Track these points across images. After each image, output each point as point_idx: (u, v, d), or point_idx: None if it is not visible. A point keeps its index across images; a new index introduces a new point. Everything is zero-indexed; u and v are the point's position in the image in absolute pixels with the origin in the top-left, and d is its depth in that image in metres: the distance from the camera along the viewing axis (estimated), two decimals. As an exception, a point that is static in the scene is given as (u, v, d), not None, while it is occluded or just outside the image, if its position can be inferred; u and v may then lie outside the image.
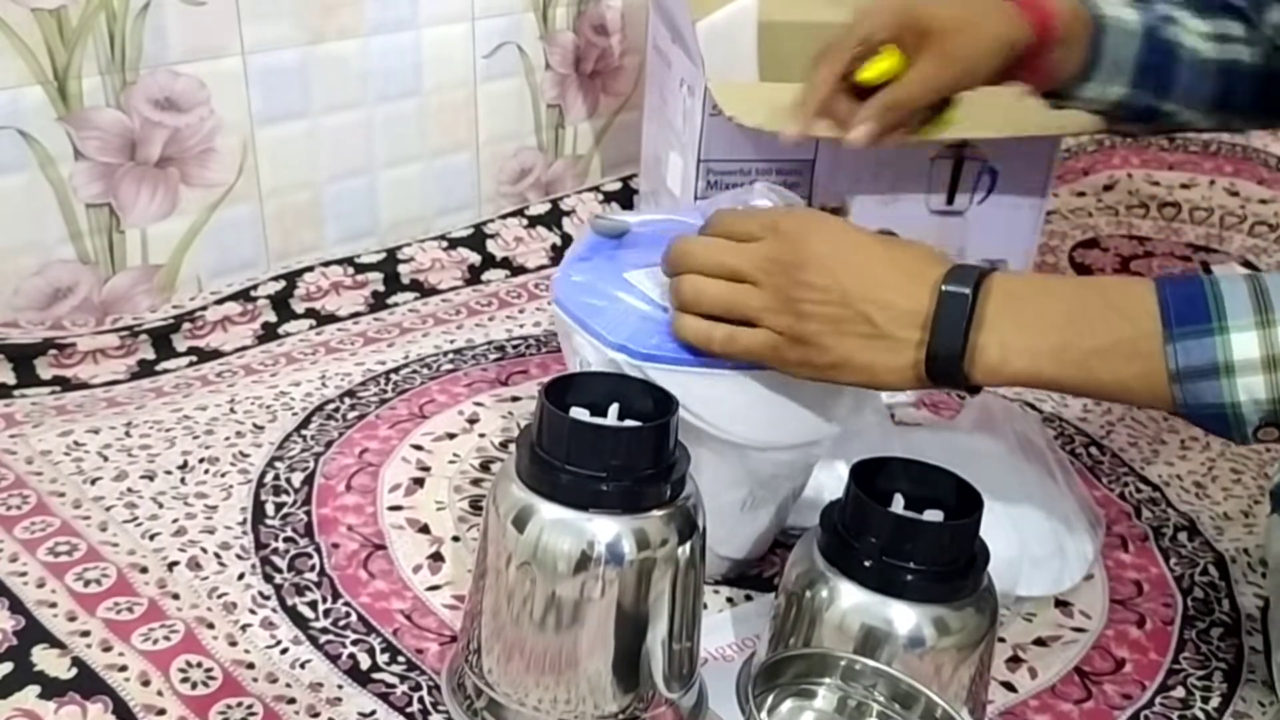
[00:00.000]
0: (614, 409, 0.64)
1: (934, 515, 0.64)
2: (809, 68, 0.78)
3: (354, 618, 0.75)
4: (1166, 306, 0.59)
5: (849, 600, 0.62)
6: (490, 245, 1.27)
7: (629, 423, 0.64)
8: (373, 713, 0.68)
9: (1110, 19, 0.81)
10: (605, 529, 0.60)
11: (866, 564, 0.62)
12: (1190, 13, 0.85)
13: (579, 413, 0.63)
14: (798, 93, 0.78)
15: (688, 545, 0.62)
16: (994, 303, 0.61)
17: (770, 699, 0.61)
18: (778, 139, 0.78)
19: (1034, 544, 0.78)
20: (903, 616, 0.61)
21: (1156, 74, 0.83)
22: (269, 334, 1.10)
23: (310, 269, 1.16)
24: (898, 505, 0.65)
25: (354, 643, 0.73)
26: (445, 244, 1.25)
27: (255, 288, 1.12)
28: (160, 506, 0.84)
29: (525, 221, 1.31)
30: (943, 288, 0.61)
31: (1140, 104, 0.84)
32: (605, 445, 0.60)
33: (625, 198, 1.37)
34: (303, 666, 0.71)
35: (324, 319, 1.14)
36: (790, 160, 1.06)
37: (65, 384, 0.99)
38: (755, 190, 0.83)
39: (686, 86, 1.07)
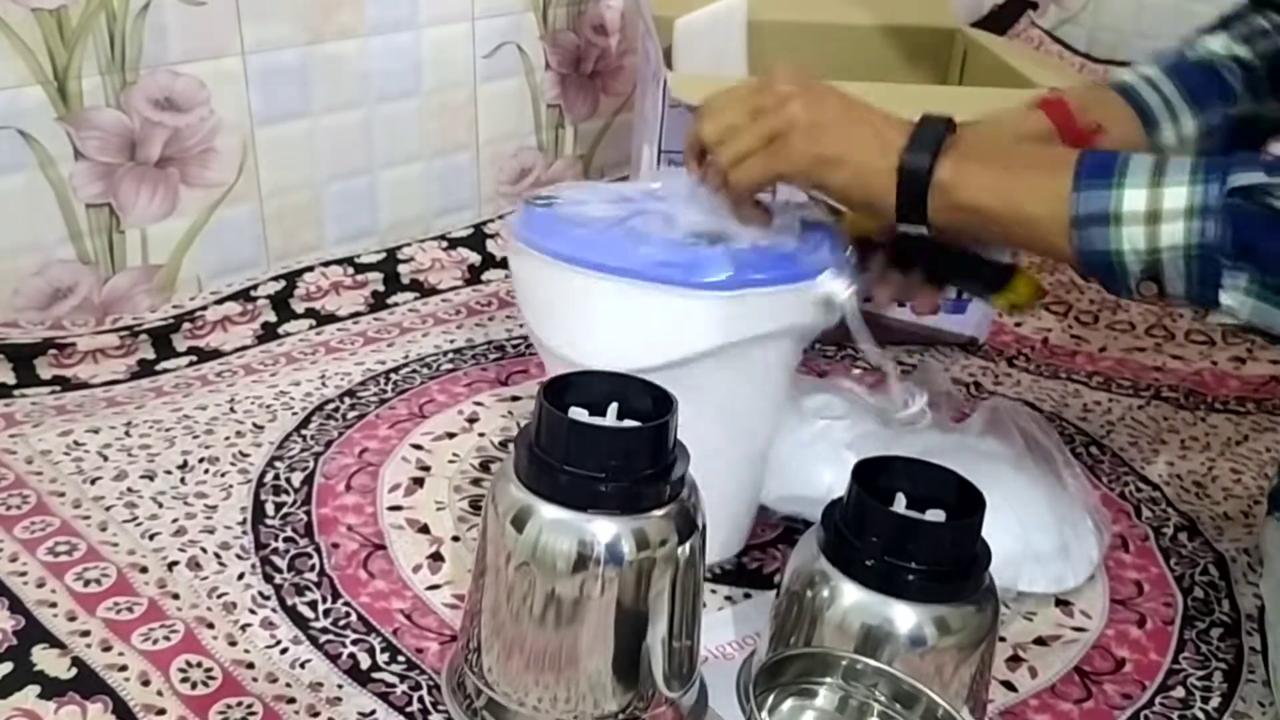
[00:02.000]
0: (613, 409, 0.64)
1: (936, 515, 0.64)
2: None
3: (354, 617, 0.75)
4: (1081, 165, 0.65)
5: (850, 599, 0.62)
6: (490, 245, 1.27)
7: (628, 423, 0.64)
8: (372, 712, 0.68)
9: (1128, 80, 0.84)
10: (604, 529, 0.60)
11: (868, 563, 0.62)
12: (1201, 36, 0.87)
13: (578, 413, 0.63)
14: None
15: (687, 545, 0.62)
16: (955, 139, 0.69)
17: (771, 698, 0.61)
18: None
19: (1038, 541, 0.79)
20: (904, 616, 0.61)
21: (1208, 88, 0.84)
22: (269, 334, 1.10)
23: (310, 269, 1.16)
24: (900, 504, 0.65)
25: (354, 642, 0.73)
26: (445, 244, 1.25)
27: (255, 288, 1.12)
28: (160, 506, 0.84)
29: (525, 221, 1.31)
30: (922, 117, 0.70)
31: (1220, 123, 0.84)
32: (604, 445, 0.60)
33: (625, 198, 1.37)
34: (303, 666, 0.71)
35: (324, 319, 1.14)
36: None
37: (65, 384, 0.99)
38: (668, 172, 0.85)
39: (655, 79, 1.07)
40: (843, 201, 0.73)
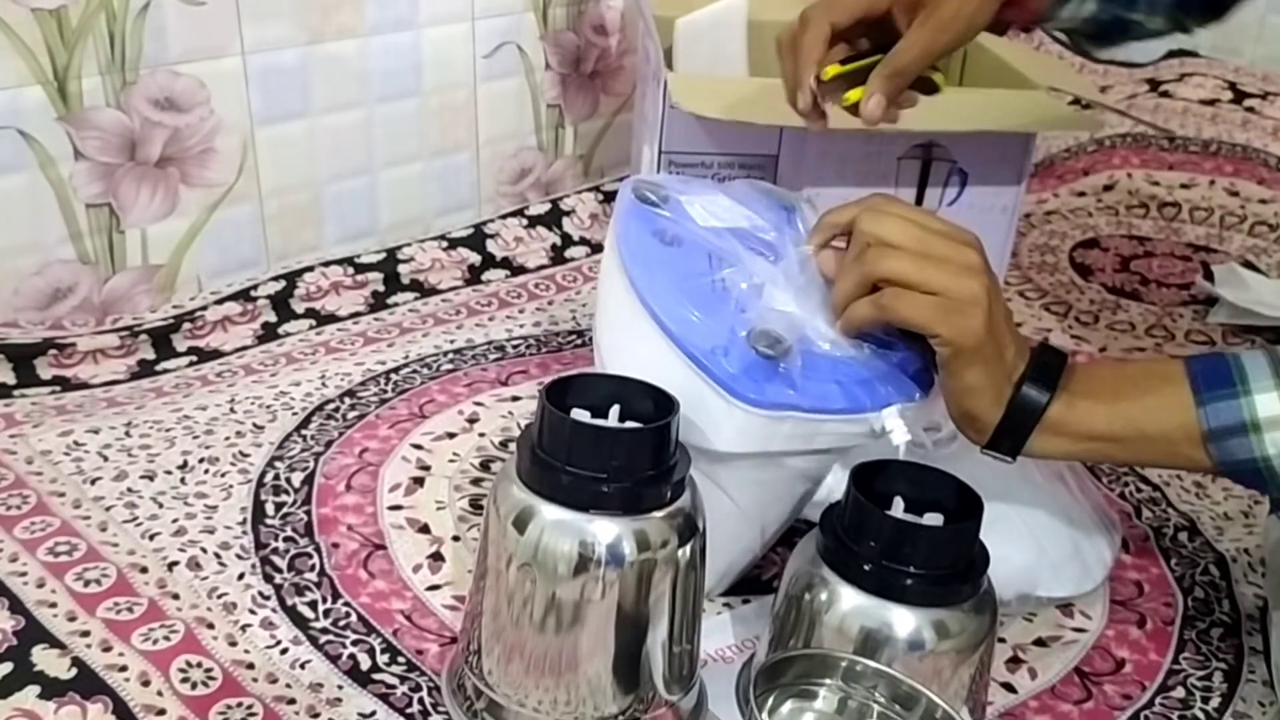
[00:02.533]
0: (615, 410, 0.64)
1: (934, 518, 0.64)
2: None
3: (354, 618, 0.75)
4: (1195, 377, 0.65)
5: (848, 603, 0.62)
6: (490, 245, 1.27)
7: (630, 424, 0.64)
8: (373, 713, 0.68)
9: None
10: (605, 530, 0.60)
11: (866, 567, 0.62)
12: None
13: (580, 414, 0.63)
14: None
15: (688, 547, 0.62)
16: (1070, 376, 0.67)
17: (771, 700, 0.61)
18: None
19: (1051, 548, 0.78)
20: (902, 620, 0.61)
21: None
22: (269, 334, 1.10)
23: (310, 269, 1.16)
24: (898, 508, 0.65)
25: (354, 643, 0.73)
26: (445, 244, 1.25)
27: (255, 288, 1.12)
28: (160, 506, 0.84)
29: (525, 221, 1.31)
30: (1040, 353, 0.68)
31: (1108, 16, 0.85)
32: (606, 446, 0.60)
33: (625, 198, 1.37)
34: (303, 667, 0.71)
35: (324, 319, 1.14)
36: (753, 154, 1.05)
37: (65, 384, 0.99)
38: (735, 187, 0.81)
39: (655, 79, 1.07)
40: (944, 394, 0.69)
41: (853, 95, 0.75)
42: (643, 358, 0.68)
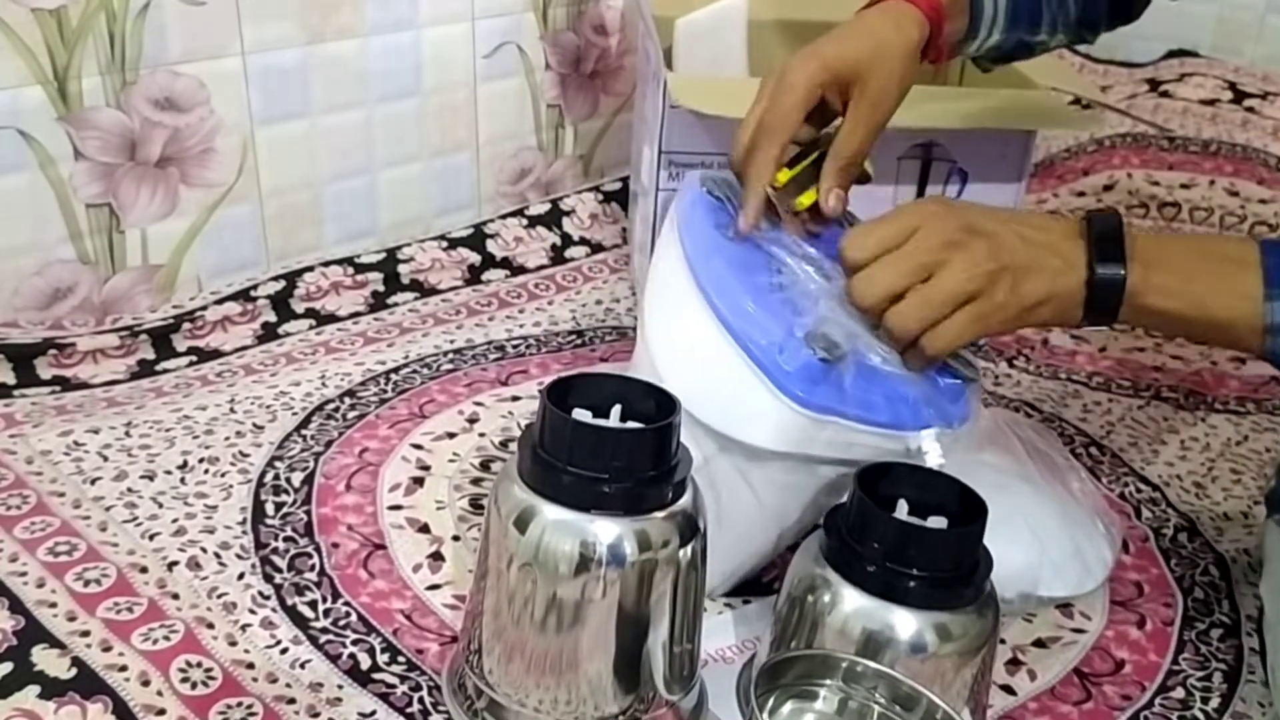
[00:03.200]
0: (616, 410, 0.64)
1: (938, 521, 0.64)
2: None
3: (354, 618, 0.75)
4: (1270, 269, 0.66)
5: (851, 605, 0.62)
6: (490, 245, 1.27)
7: (631, 425, 0.64)
8: (373, 713, 0.68)
9: None
10: (607, 530, 0.60)
11: (869, 569, 0.62)
12: None
13: (581, 414, 0.63)
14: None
15: (689, 548, 0.62)
16: (1134, 241, 0.68)
17: (772, 700, 0.61)
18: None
19: (1052, 548, 0.78)
20: (904, 622, 0.61)
21: (1027, 13, 0.86)
22: (269, 334, 1.10)
23: (310, 269, 1.16)
24: (902, 511, 0.65)
25: (354, 643, 0.73)
26: (445, 244, 1.25)
27: (255, 288, 1.12)
28: (160, 506, 0.84)
29: (525, 221, 1.31)
30: (1092, 224, 0.69)
31: (1011, 44, 0.87)
32: (607, 447, 0.60)
33: (625, 198, 1.37)
34: (303, 666, 0.71)
35: (324, 319, 1.14)
36: None
37: (65, 384, 0.99)
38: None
39: (655, 79, 1.07)
40: (1034, 326, 0.72)
41: (804, 200, 0.75)
42: (692, 343, 0.69)
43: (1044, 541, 0.78)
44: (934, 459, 0.67)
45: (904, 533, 0.62)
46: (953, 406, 0.69)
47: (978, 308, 0.67)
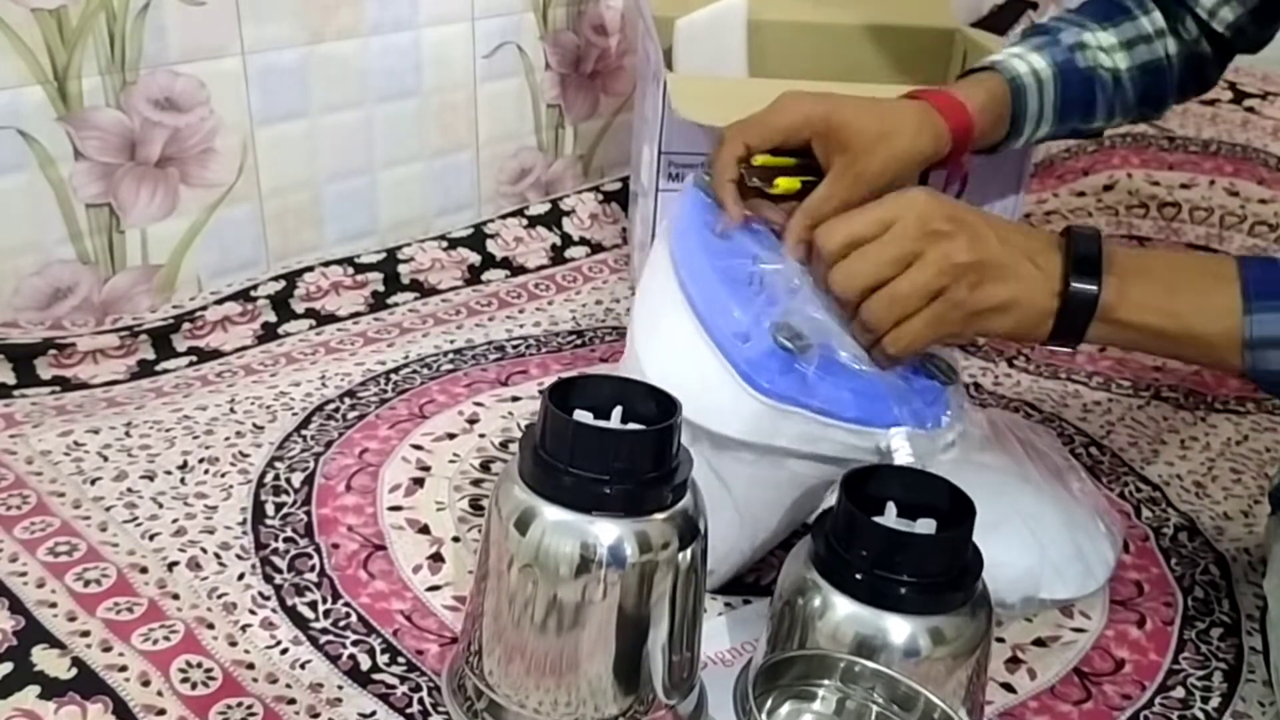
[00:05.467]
0: (617, 412, 0.64)
1: (927, 523, 0.63)
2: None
3: (354, 618, 0.75)
4: (1247, 283, 0.66)
5: (842, 611, 0.62)
6: (490, 245, 1.27)
7: (632, 426, 0.64)
8: (373, 713, 0.68)
9: (1023, 77, 0.84)
10: (607, 531, 0.60)
11: (858, 577, 0.61)
12: (1096, 26, 0.88)
13: (582, 415, 0.63)
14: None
15: (689, 550, 0.62)
16: (1111, 256, 0.67)
17: (770, 700, 0.61)
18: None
19: (1053, 550, 0.78)
20: (897, 628, 0.61)
21: (1080, 105, 0.87)
22: (269, 334, 1.10)
23: (310, 269, 1.16)
24: (891, 513, 0.64)
25: (354, 643, 0.73)
26: (445, 244, 1.25)
27: (255, 288, 1.12)
28: (160, 506, 0.84)
29: (525, 221, 1.31)
30: (1072, 240, 0.67)
31: (1063, 132, 0.89)
32: (608, 448, 0.60)
33: (625, 198, 1.37)
34: (303, 667, 0.71)
35: (324, 319, 1.14)
36: None
37: (65, 384, 0.99)
38: None
39: (655, 80, 1.07)
40: (998, 338, 0.71)
41: (782, 183, 0.76)
42: (667, 331, 0.70)
43: (1045, 543, 0.77)
44: (902, 457, 0.66)
45: (891, 539, 0.61)
46: (928, 408, 0.69)
47: (937, 307, 0.66)
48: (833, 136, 0.75)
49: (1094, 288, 0.66)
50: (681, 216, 0.75)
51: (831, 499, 0.64)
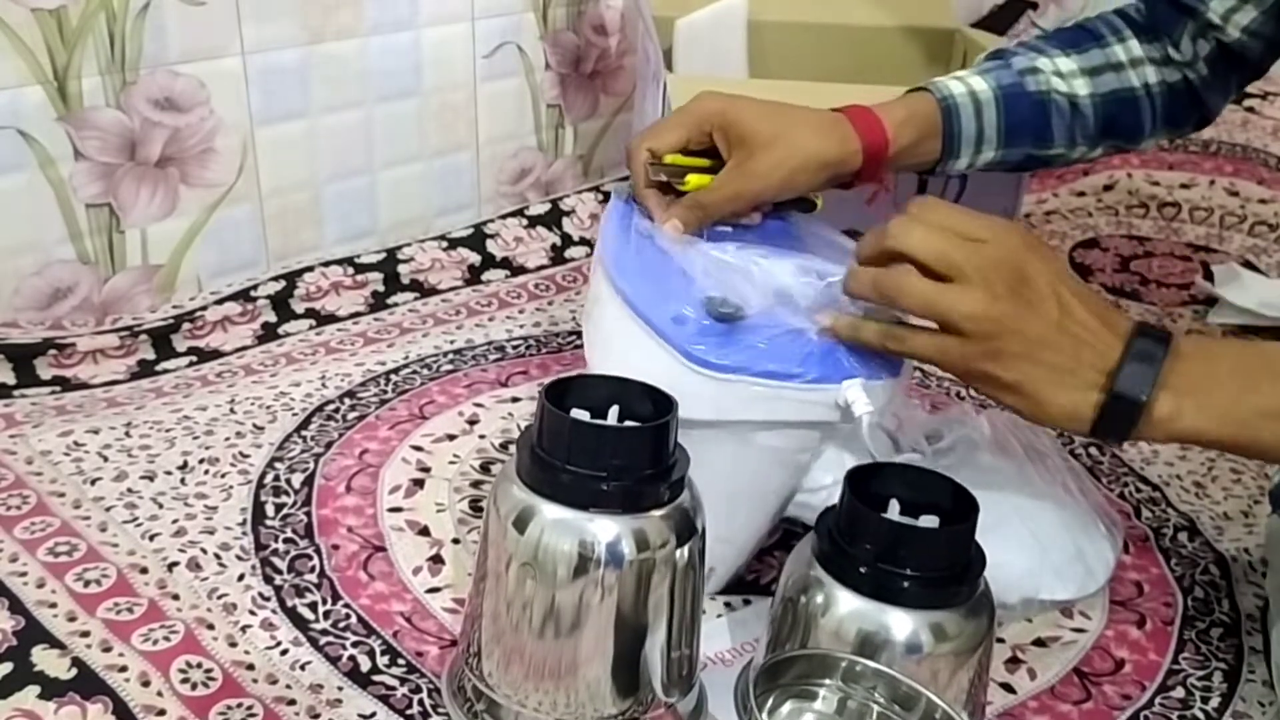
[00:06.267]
0: (614, 411, 0.65)
1: (930, 520, 0.64)
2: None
3: (354, 619, 0.75)
4: None
5: (845, 607, 0.62)
6: (490, 245, 1.27)
7: (629, 424, 0.64)
8: (373, 714, 0.68)
9: (957, 97, 0.83)
10: (605, 529, 0.60)
11: (862, 571, 0.62)
12: (1058, 52, 0.87)
13: (579, 414, 0.63)
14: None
15: (686, 548, 0.62)
16: (1172, 361, 0.63)
17: (771, 700, 0.61)
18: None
19: (1053, 551, 0.78)
20: (899, 623, 0.61)
21: (1029, 129, 0.85)
22: (269, 334, 1.10)
23: (310, 269, 1.16)
24: (894, 510, 0.65)
25: (354, 644, 0.73)
26: (445, 244, 1.25)
27: (255, 288, 1.12)
28: (160, 507, 0.84)
29: (525, 221, 1.31)
30: (1136, 340, 0.63)
31: (1017, 158, 0.86)
32: (605, 445, 0.60)
33: (625, 198, 1.37)
34: (303, 668, 0.71)
35: (324, 319, 1.14)
36: None
37: (65, 384, 0.99)
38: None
39: (655, 80, 1.07)
40: (996, 401, 0.66)
41: (693, 180, 0.77)
42: (615, 339, 0.72)
43: (1045, 545, 0.77)
44: (860, 408, 0.66)
45: (895, 532, 0.61)
46: (883, 358, 0.69)
47: (947, 341, 0.64)
48: (730, 132, 0.76)
49: (1141, 398, 0.62)
50: (607, 225, 0.78)
51: (831, 496, 0.65)
